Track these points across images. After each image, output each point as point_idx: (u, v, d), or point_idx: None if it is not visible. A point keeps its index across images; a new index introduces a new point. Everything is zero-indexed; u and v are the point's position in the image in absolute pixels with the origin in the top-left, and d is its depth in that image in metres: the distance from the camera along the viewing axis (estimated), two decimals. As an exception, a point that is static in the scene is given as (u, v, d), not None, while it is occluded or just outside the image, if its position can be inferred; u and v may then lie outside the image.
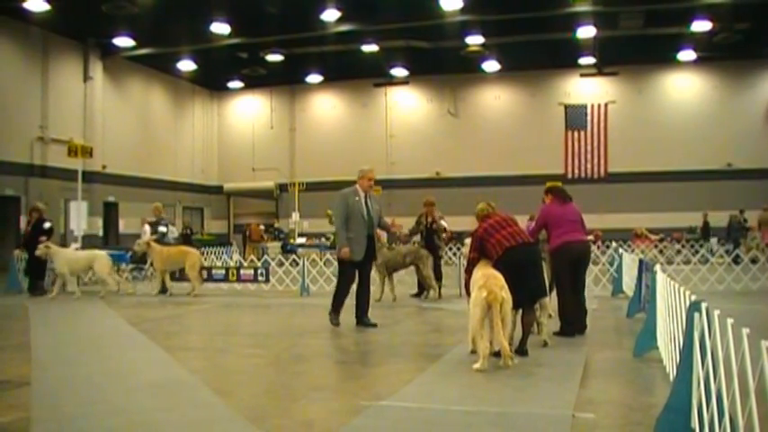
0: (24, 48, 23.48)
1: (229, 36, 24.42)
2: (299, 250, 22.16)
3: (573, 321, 8.18)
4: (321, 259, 17.24)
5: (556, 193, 8.68)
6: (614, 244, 17.23)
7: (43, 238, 14.29)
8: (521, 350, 6.92)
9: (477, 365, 6.15)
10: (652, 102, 30.20)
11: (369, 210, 9.21)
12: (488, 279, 6.35)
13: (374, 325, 9.06)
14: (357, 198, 9.19)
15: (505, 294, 6.25)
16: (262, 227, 29.98)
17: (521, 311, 7.00)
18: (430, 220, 13.16)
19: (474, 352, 6.48)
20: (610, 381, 5.99)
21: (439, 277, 13.13)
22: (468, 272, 7.11)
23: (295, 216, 27.39)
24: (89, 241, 21.71)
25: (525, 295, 6.87)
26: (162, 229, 15.41)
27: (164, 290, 14.39)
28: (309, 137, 33.40)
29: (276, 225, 29.69)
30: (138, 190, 27.39)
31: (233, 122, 35.08)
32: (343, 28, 23.93)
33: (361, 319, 9.21)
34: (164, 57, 27.53)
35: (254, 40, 25.49)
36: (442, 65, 29.59)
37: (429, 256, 13.00)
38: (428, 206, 13.31)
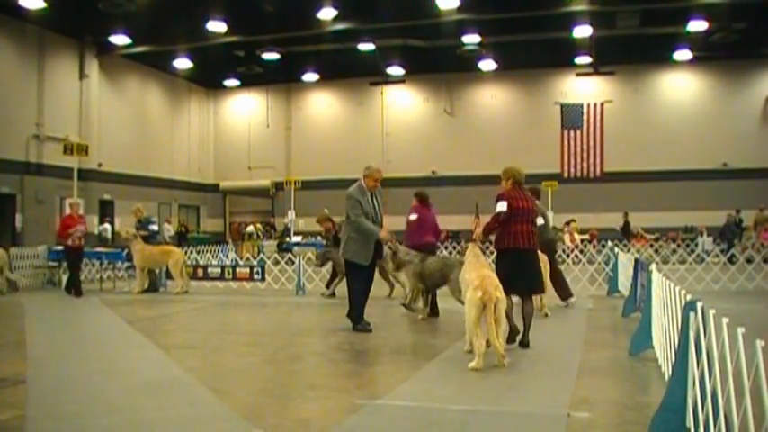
0: (20, 45, 23.40)
1: (226, 34, 24.36)
2: (295, 249, 22.11)
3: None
4: (316, 258, 17.21)
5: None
6: (610, 243, 17.25)
7: None
8: (522, 342, 7.27)
9: (472, 364, 6.25)
10: (648, 101, 30.23)
11: (377, 211, 8.95)
12: (483, 280, 6.53)
13: (369, 329, 8.81)
14: (366, 198, 8.87)
15: (500, 294, 6.44)
16: (250, 227, 29.98)
17: (521, 303, 7.38)
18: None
19: (471, 351, 6.59)
20: (605, 380, 6.01)
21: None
22: (489, 227, 7.60)
23: (291, 215, 27.36)
24: (85, 240, 21.60)
25: (523, 287, 7.34)
26: (153, 227, 15.42)
27: (154, 288, 14.49)
28: (306, 135, 33.35)
29: (285, 222, 29.59)
30: (134, 188, 27.34)
31: (229, 121, 35.02)
32: (340, 26, 23.89)
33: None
34: (160, 55, 27.46)
35: (251, 38, 25.45)
36: (439, 64, 29.57)
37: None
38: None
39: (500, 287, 6.52)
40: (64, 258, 14.78)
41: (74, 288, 13.98)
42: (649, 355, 6.67)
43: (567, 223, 24.70)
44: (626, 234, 26.49)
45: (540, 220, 10.34)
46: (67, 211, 14.86)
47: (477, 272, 6.81)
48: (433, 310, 10.26)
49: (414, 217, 10.85)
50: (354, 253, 8.83)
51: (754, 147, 28.64)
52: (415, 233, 10.79)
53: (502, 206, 7.48)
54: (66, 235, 14.17)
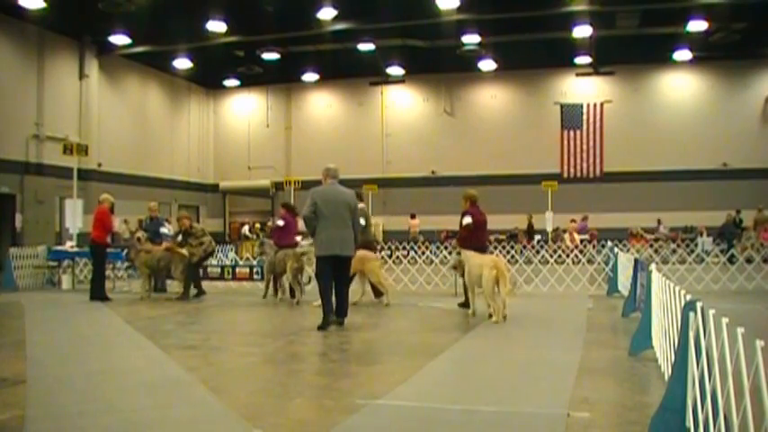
0: (20, 45, 23.38)
1: (226, 34, 24.35)
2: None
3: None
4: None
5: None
6: (610, 243, 17.25)
7: None
8: (465, 305, 10.91)
9: (493, 319, 9.37)
10: (648, 101, 30.23)
11: None
12: (496, 263, 9.77)
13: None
14: None
15: (506, 272, 9.62)
16: (246, 227, 29.98)
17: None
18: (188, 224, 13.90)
19: (474, 314, 10.18)
20: (605, 380, 6.00)
21: (194, 278, 13.60)
22: (462, 237, 11.17)
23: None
24: (85, 240, 21.67)
25: None
26: (164, 230, 15.34)
27: (157, 289, 14.39)
28: (305, 135, 33.35)
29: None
30: (133, 188, 27.29)
31: (229, 121, 35.01)
32: (340, 26, 23.88)
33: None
34: (160, 55, 27.44)
35: (251, 38, 25.43)
36: (439, 64, 29.57)
37: (182, 260, 13.46)
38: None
39: (507, 266, 9.89)
40: (98, 261, 13.37)
41: (103, 293, 13.05)
42: (649, 355, 6.67)
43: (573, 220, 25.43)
44: (530, 236, 26.62)
45: (360, 221, 12.08)
46: (105, 205, 13.77)
47: (489, 257, 10.31)
48: (276, 290, 13.10)
49: (281, 223, 13.60)
50: None
51: (754, 147, 28.64)
52: (283, 236, 13.38)
53: (468, 220, 11.07)
54: (107, 233, 13.32)
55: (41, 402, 5.22)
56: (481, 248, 10.97)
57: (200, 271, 14.84)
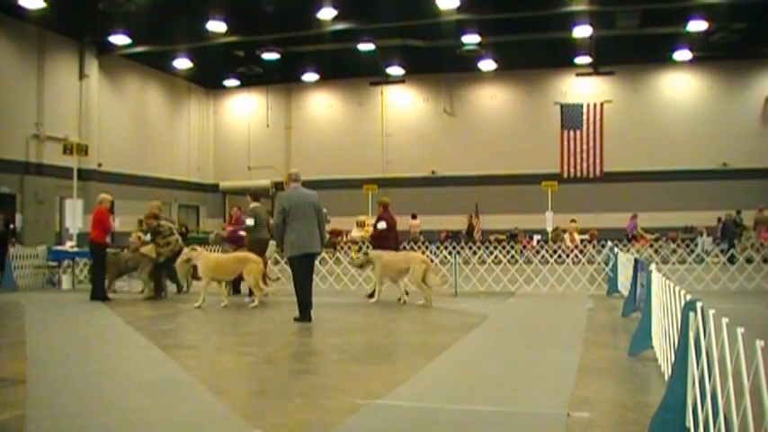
0: (20, 45, 23.41)
1: (226, 34, 24.39)
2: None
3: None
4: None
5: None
6: (610, 243, 17.24)
7: None
8: (372, 295, 12.37)
9: (421, 303, 11.34)
10: (648, 101, 30.25)
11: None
12: (424, 259, 11.83)
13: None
14: None
15: (431, 264, 11.87)
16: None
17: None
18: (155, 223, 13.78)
19: (400, 300, 11.91)
20: (605, 380, 6.00)
21: (158, 279, 13.47)
22: (375, 237, 13.27)
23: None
24: (85, 240, 21.66)
25: None
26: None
27: (158, 290, 14.31)
28: (305, 135, 33.37)
29: None
30: (133, 188, 27.33)
31: (229, 121, 35.04)
32: (340, 26, 23.91)
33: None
34: (160, 55, 27.48)
35: (251, 38, 25.47)
36: (439, 64, 29.59)
37: (150, 261, 13.41)
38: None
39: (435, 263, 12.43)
40: (98, 261, 13.30)
41: (103, 293, 13.03)
42: (649, 355, 6.67)
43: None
44: (470, 236, 26.58)
45: (249, 221, 12.97)
46: (105, 205, 13.83)
47: (418, 256, 12.08)
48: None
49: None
50: None
51: (754, 147, 28.67)
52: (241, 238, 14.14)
53: (382, 225, 12.88)
54: (106, 233, 13.35)
55: (41, 402, 5.21)
56: (394, 248, 12.71)
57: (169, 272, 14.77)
